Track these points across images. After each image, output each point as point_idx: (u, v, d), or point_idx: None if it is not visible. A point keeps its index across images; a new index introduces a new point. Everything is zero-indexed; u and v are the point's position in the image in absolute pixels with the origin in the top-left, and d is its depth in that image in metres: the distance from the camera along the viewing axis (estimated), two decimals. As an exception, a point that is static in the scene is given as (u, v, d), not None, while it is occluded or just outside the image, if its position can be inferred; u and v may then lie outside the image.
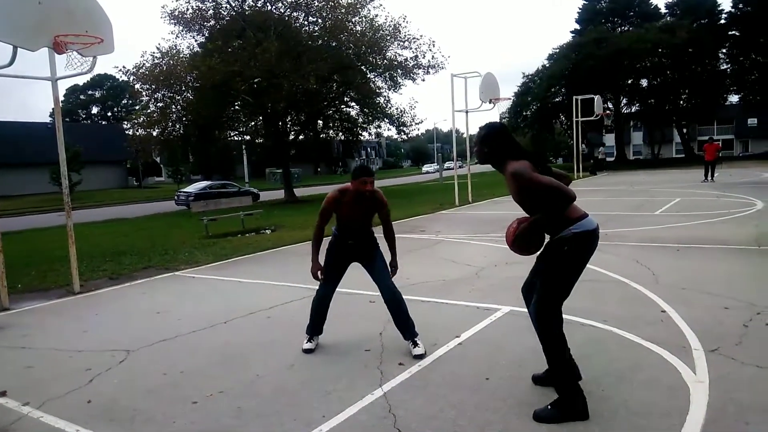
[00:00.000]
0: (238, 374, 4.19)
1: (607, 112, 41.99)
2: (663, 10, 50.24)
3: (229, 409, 3.59)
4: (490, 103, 18.11)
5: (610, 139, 58.78)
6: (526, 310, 5.30)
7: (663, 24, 44.51)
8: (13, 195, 37.15)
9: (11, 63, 6.50)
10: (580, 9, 52.64)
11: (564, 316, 4.96)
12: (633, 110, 51.12)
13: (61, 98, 7.87)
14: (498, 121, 4.21)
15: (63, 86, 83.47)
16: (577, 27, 51.75)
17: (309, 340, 4.73)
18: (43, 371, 4.49)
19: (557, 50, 46.73)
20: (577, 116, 30.73)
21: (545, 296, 3.40)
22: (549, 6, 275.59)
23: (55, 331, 5.72)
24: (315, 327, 4.78)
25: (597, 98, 31.46)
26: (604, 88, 42.09)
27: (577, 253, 3.31)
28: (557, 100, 46.20)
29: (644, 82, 47.29)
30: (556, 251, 3.32)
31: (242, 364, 4.41)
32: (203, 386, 3.97)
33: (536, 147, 66.21)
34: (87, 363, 4.58)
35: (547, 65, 46.76)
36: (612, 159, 47.65)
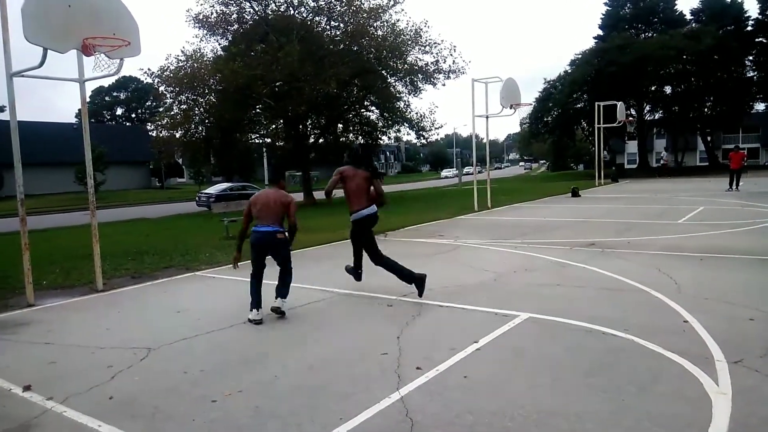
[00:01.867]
0: (257, 374, 4.22)
1: (630, 118, 41.47)
2: (688, 17, 49.53)
3: (247, 408, 3.62)
4: (510, 108, 18.03)
5: (632, 146, 58.06)
6: (546, 317, 5.31)
7: (688, 30, 43.84)
8: (38, 194, 37.89)
9: (41, 64, 6.65)
10: (603, 15, 52.14)
11: (584, 324, 5.05)
12: (656, 117, 50.44)
13: (87, 99, 8.03)
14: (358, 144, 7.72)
15: (89, 88, 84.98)
16: (600, 33, 51.23)
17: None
18: (67, 367, 4.58)
19: (579, 56, 46.31)
20: (599, 122, 30.44)
21: (369, 251, 6.52)
22: (572, 12, 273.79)
23: (79, 328, 5.82)
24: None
25: (620, 105, 31.13)
26: (627, 95, 41.58)
27: (358, 229, 6.50)
28: (579, 106, 45.75)
29: (668, 89, 46.62)
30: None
31: (261, 365, 4.44)
32: (222, 385, 4.01)
33: (557, 153, 65.82)
34: (109, 360, 4.66)
35: (569, 71, 46.34)
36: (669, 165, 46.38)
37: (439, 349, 4.57)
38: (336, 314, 5.97)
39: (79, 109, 7.70)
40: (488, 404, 3.54)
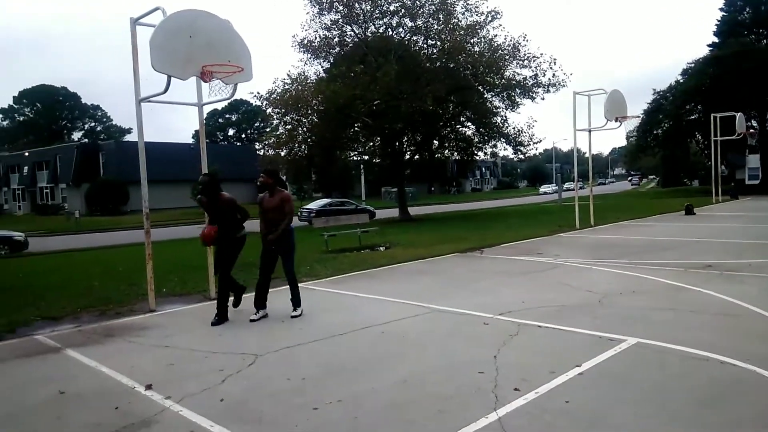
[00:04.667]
0: (355, 385, 4.33)
1: (751, 131, 38.04)
2: (819, 19, 44.84)
3: (346, 418, 3.72)
4: (616, 121, 17.24)
5: (754, 161, 53.16)
6: (656, 342, 5.00)
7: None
8: (159, 208, 41.13)
9: (166, 90, 7.30)
10: (718, 21, 48.41)
11: (699, 352, 4.75)
12: (782, 128, 45.86)
13: (204, 121, 8.69)
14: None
15: (204, 111, 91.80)
16: (716, 40, 47.69)
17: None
18: (183, 369, 4.95)
19: (692, 65, 43.37)
20: (715, 135, 28.27)
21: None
22: (681, 19, 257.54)
23: (194, 333, 6.27)
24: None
25: (739, 116, 28.70)
26: (748, 105, 38.19)
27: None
28: (693, 117, 42.74)
29: (796, 98, 42.32)
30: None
31: (358, 376, 4.55)
32: (322, 394, 4.15)
33: (668, 167, 61.73)
34: (220, 364, 4.98)
35: (681, 81, 43.52)
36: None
37: (539, 371, 4.44)
38: (431, 330, 5.98)
39: (196, 131, 8.40)
40: (591, 431, 3.39)
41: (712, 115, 29.09)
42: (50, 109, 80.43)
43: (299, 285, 7.18)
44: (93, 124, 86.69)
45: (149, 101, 7.75)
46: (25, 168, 56.49)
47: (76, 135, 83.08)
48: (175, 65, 7.14)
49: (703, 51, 48.21)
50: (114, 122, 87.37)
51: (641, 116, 43.59)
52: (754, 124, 42.93)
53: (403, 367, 4.71)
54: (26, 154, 56.69)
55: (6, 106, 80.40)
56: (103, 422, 3.79)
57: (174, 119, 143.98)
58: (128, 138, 74.74)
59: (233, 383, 4.49)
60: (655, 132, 45.29)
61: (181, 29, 7.13)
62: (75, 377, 4.82)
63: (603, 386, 4.13)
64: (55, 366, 5.21)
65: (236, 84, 7.71)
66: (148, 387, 4.45)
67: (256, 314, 6.79)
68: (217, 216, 6.75)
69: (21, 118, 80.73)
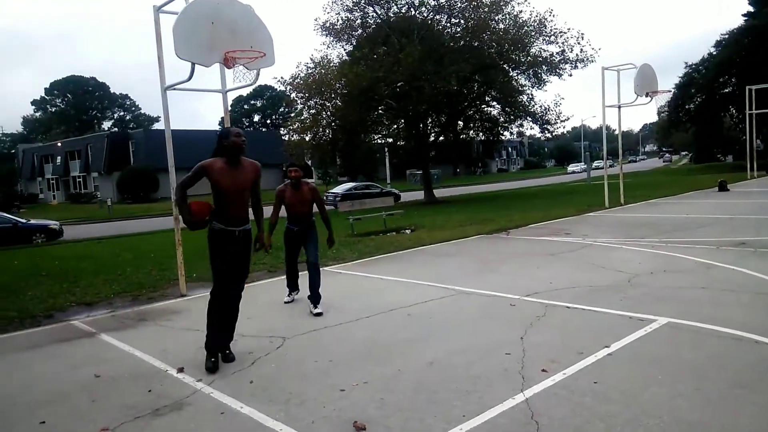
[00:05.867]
0: (381, 367, 4.35)
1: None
2: None
3: (373, 400, 3.75)
4: (646, 96, 16.79)
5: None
6: (688, 322, 4.92)
7: None
8: (188, 195, 41.73)
9: (190, 78, 7.36)
10: (754, -12, 46.57)
11: (733, 331, 4.65)
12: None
13: (229, 108, 8.75)
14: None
15: (230, 97, 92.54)
16: (751, 9, 45.85)
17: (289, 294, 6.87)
18: (213, 352, 5.03)
19: (726, 36, 41.87)
20: (750, 108, 27.33)
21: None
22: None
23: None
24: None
25: (776, 87, 27.66)
26: (786, 76, 36.84)
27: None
28: (726, 90, 41.37)
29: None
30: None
31: (384, 358, 4.57)
32: (349, 376, 4.19)
33: (701, 143, 59.99)
34: (249, 347, 5.06)
35: (715, 53, 42.10)
36: None
37: (567, 352, 4.40)
38: (457, 312, 5.97)
39: (222, 117, 8.41)
40: (622, 412, 3.35)
41: (747, 87, 28.11)
42: (80, 100, 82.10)
43: (323, 269, 7.19)
44: (122, 113, 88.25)
45: (174, 89, 7.82)
46: (59, 158, 57.98)
47: (106, 124, 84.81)
48: (198, 52, 7.15)
49: (738, 21, 46.34)
50: (143, 111, 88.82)
51: (673, 90, 42.37)
52: (793, 95, 41.37)
53: (430, 349, 4.72)
54: (59, 144, 58.16)
55: (38, 98, 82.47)
56: (137, 405, 3.89)
57: (200, 106, 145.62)
58: (157, 126, 75.92)
59: (262, 365, 4.57)
60: (687, 106, 44.12)
61: (203, 16, 7.13)
62: (109, 361, 4.95)
63: (633, 367, 4.07)
64: (90, 350, 5.37)
65: (259, 70, 7.70)
66: (180, 370, 4.55)
67: (289, 296, 6.91)
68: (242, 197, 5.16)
69: (53, 109, 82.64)
